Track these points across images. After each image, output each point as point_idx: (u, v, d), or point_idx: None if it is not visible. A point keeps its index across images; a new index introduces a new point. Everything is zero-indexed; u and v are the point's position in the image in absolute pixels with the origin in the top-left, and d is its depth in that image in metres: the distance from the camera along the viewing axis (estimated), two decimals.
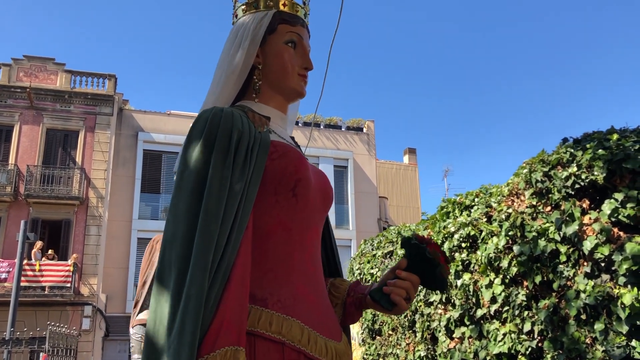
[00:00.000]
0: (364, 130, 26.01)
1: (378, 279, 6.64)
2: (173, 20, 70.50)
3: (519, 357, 4.08)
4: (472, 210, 4.94)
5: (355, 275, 7.56)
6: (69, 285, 17.58)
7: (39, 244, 17.68)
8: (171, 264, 1.09)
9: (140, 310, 2.37)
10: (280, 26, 1.40)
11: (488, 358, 4.38)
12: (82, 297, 18.25)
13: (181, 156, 1.20)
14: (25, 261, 15.48)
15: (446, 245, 5.02)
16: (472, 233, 4.72)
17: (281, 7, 1.41)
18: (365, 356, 7.06)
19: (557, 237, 3.86)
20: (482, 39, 72.44)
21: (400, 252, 6.18)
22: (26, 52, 20.94)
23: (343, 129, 25.78)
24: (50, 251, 18.21)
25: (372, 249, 7.32)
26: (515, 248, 4.12)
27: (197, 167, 1.16)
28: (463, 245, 4.85)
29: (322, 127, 25.13)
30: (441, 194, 41.24)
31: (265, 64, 1.39)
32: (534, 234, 4.01)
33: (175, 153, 22.69)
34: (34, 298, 17.16)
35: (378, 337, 6.78)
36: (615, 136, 3.91)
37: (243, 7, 1.44)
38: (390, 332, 6.38)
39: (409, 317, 5.78)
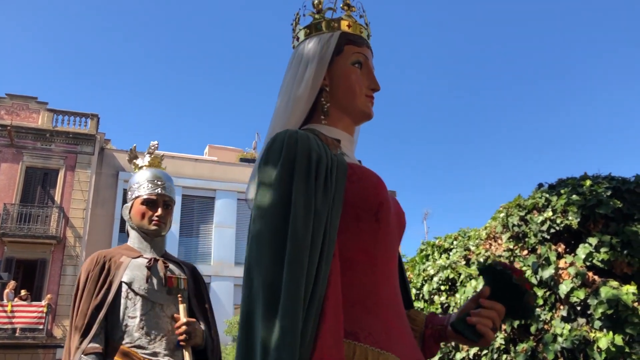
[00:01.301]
0: None
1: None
2: (156, 62, 71.17)
3: None
4: (451, 253, 5.00)
5: None
6: (41, 327, 17.11)
7: (11, 284, 17.26)
8: (258, 293, 1.02)
9: (83, 336, 2.23)
10: (346, 47, 1.37)
11: None
12: (54, 340, 17.74)
13: (259, 179, 1.15)
14: None
15: (425, 288, 5.05)
16: (451, 276, 4.76)
17: (346, 29, 1.39)
18: None
19: (534, 281, 3.91)
20: (461, 85, 74.17)
21: None
22: (8, 91, 20.89)
23: None
24: (23, 291, 17.75)
25: None
26: None
27: (278, 190, 1.10)
28: (442, 288, 4.88)
29: None
30: (420, 237, 41.35)
31: (332, 86, 1.36)
32: None
33: None
34: (4, 340, 16.63)
35: None
36: (588, 182, 4.02)
37: (305, 30, 1.42)
38: None
39: None
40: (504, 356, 4.09)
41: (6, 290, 17.15)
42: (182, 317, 2.36)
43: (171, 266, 2.52)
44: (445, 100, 73.65)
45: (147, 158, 2.74)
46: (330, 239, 1.09)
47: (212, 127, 71.26)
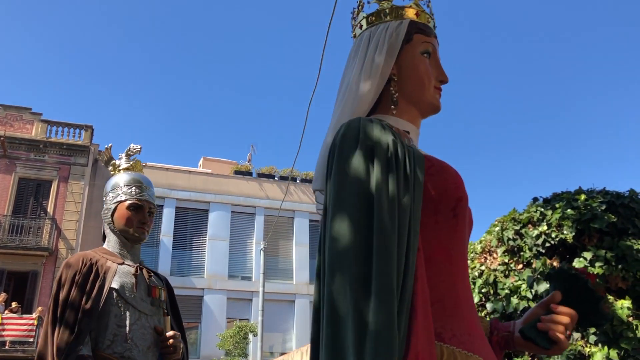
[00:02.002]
0: None
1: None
2: (151, 74, 71.30)
3: None
4: None
5: None
6: (32, 340, 16.91)
7: (2, 296, 17.09)
8: (345, 288, 0.96)
9: (78, 341, 2.11)
10: (415, 36, 1.31)
11: None
12: None
13: (335, 168, 1.08)
14: None
15: None
16: None
17: (413, 17, 1.34)
18: None
19: (529, 295, 3.91)
20: (453, 98, 74.62)
21: None
22: (2, 101, 20.85)
23: None
24: (14, 304, 17.58)
25: None
26: (489, 305, 4.15)
27: (358, 179, 1.04)
28: None
29: (298, 181, 25.27)
30: None
31: (400, 76, 1.30)
32: (507, 291, 4.06)
33: None
34: None
35: None
36: (583, 196, 4.03)
37: (370, 17, 1.36)
38: None
39: None
40: None
41: None
42: (168, 330, 2.34)
43: (152, 276, 2.48)
44: (440, 114, 74.03)
45: (124, 159, 2.67)
46: (414, 231, 1.04)
47: (206, 139, 71.29)
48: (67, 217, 19.80)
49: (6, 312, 17.23)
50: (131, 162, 2.67)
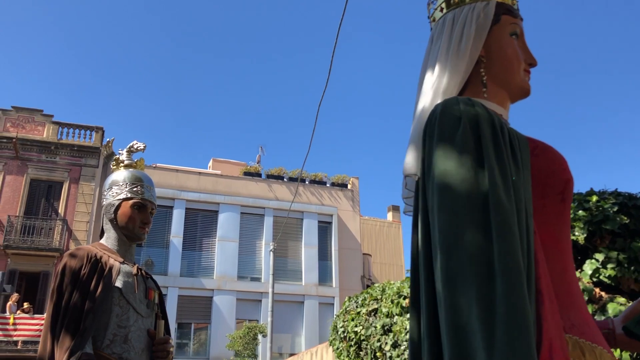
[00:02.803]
0: (349, 186, 26.21)
1: (363, 337, 6.59)
2: (160, 76, 71.73)
3: None
4: None
5: (340, 333, 7.47)
6: None
7: (14, 296, 17.23)
8: (463, 269, 0.89)
9: (83, 339, 2.06)
10: (503, 17, 1.27)
11: None
12: None
13: (435, 148, 1.02)
14: None
15: None
16: None
17: None
18: None
19: None
20: None
21: (385, 309, 6.15)
22: (14, 103, 21.03)
23: (328, 185, 25.95)
24: (26, 304, 17.71)
25: (357, 307, 7.27)
26: None
27: (466, 158, 0.98)
28: None
29: (307, 182, 25.29)
30: None
31: (489, 57, 1.26)
32: None
33: (160, 206, 22.59)
34: (5, 353, 16.56)
35: None
36: (594, 198, 4.02)
37: None
38: None
39: None
40: None
41: (9, 303, 17.12)
42: (161, 334, 2.32)
43: (149, 278, 2.46)
44: None
45: (125, 155, 2.60)
46: (528, 212, 0.99)
47: (215, 141, 71.52)
48: (78, 218, 19.93)
49: (18, 312, 17.37)
50: (135, 160, 2.61)
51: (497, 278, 0.86)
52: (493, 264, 0.87)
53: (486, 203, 0.93)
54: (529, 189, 1.03)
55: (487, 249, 0.89)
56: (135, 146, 2.64)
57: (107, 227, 2.44)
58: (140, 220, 2.39)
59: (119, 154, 2.62)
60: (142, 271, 2.41)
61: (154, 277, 2.59)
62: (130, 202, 2.40)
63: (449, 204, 0.95)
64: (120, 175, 2.48)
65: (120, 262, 2.32)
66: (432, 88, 1.23)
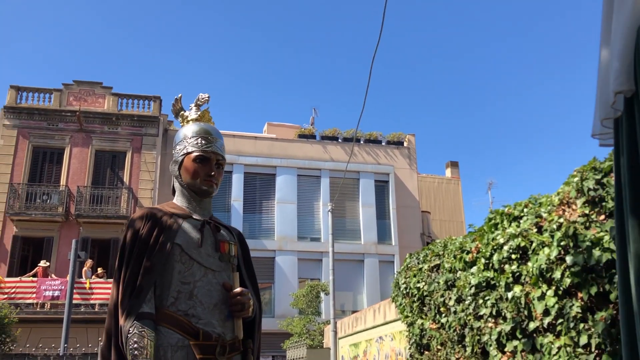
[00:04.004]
0: (405, 144, 25.89)
1: (426, 293, 6.58)
2: (214, 42, 72.21)
3: None
4: (522, 221, 4.85)
5: (402, 289, 7.49)
6: None
7: (89, 262, 18.16)
8: None
9: (139, 299, 2.07)
10: None
11: None
12: None
13: None
14: (76, 279, 15.91)
15: (495, 257, 4.94)
16: (522, 244, 4.63)
17: None
18: None
19: (613, 247, 3.75)
20: (524, 42, 71.51)
21: (447, 265, 6.10)
22: (75, 77, 21.74)
23: (383, 144, 25.73)
24: (99, 269, 18.68)
25: (418, 263, 7.24)
26: (569, 258, 4.02)
27: None
28: (513, 256, 4.76)
29: (362, 142, 25.15)
30: (485, 207, 40.58)
31: None
32: (588, 243, 3.91)
33: None
34: (84, 315, 17.59)
35: (426, 352, 6.68)
36: None
37: None
38: (439, 347, 6.29)
39: (458, 331, 5.68)
40: (581, 325, 3.96)
41: (84, 269, 18.09)
42: (236, 287, 2.22)
43: (222, 230, 2.34)
44: (507, 55, 71.33)
45: (194, 111, 2.52)
46: None
47: (269, 105, 71.90)
48: (142, 186, 20.65)
49: (93, 277, 18.33)
50: (200, 114, 2.52)
51: None
52: None
53: None
54: None
55: None
56: (200, 98, 2.55)
57: (176, 184, 2.41)
58: (204, 173, 2.30)
59: (189, 109, 2.56)
60: (213, 224, 2.32)
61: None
62: (192, 155, 2.32)
63: None
64: (183, 130, 2.42)
65: (185, 218, 2.26)
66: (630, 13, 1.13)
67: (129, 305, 2.05)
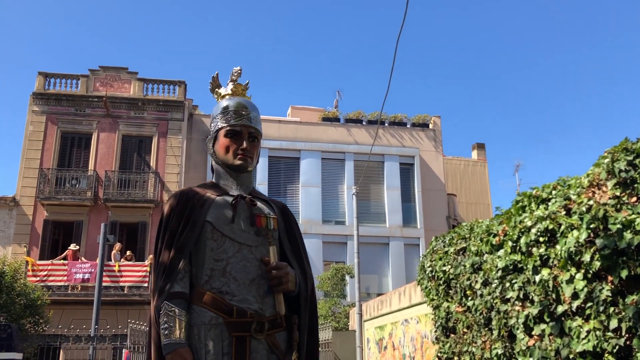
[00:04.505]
0: (430, 126, 25.64)
1: (452, 276, 6.55)
2: (236, 26, 72.24)
3: (606, 355, 3.91)
4: (550, 204, 4.78)
5: (427, 272, 7.47)
6: (146, 285, 18.29)
7: (117, 245, 18.50)
8: None
9: (169, 279, 2.06)
10: None
11: (571, 356, 4.22)
12: None
13: None
14: (105, 262, 16.22)
15: (523, 240, 4.88)
16: (551, 227, 4.56)
17: None
18: (439, 354, 6.96)
19: None
20: (551, 24, 69.89)
21: (474, 248, 6.05)
22: (101, 63, 21.95)
23: (408, 126, 25.51)
24: (128, 252, 19.02)
25: (444, 246, 7.20)
26: (598, 241, 3.95)
27: None
28: (541, 239, 4.69)
29: (386, 124, 24.98)
30: (512, 190, 40.09)
31: None
32: (619, 226, 3.83)
33: None
34: (114, 297, 17.97)
35: (452, 335, 6.67)
36: None
37: None
38: (465, 330, 6.26)
39: (485, 315, 5.65)
40: (612, 309, 3.90)
41: (113, 252, 18.44)
42: (273, 260, 2.15)
43: (259, 204, 2.28)
44: (536, 38, 69.86)
45: (230, 86, 2.46)
46: None
47: (293, 88, 71.80)
48: (169, 170, 20.87)
49: (122, 260, 18.68)
50: (232, 87, 2.46)
51: None
52: None
53: None
54: None
55: None
56: (234, 72, 2.49)
57: (213, 162, 2.38)
58: (236, 148, 2.25)
59: (226, 85, 2.50)
60: (249, 199, 2.25)
61: None
62: (223, 131, 2.28)
63: None
64: (216, 107, 2.37)
65: (219, 195, 2.23)
66: None
67: (160, 285, 2.05)
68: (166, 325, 2.00)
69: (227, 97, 2.41)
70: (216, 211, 2.17)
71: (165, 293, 2.04)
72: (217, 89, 2.50)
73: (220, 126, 2.29)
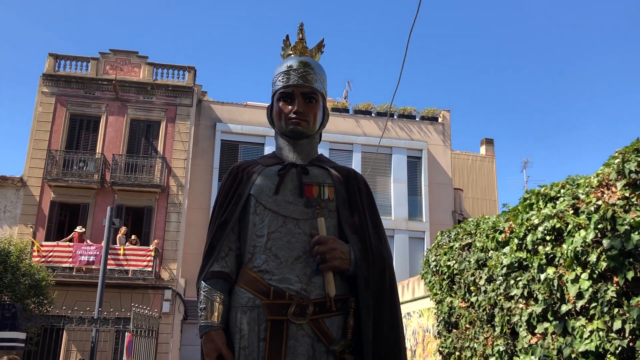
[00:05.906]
0: (439, 120, 25.53)
1: (456, 271, 6.52)
2: (246, 13, 72.05)
3: (608, 356, 3.89)
4: (558, 202, 4.74)
5: (432, 266, 7.45)
6: (150, 269, 18.37)
7: (123, 229, 18.57)
8: None
9: (209, 258, 1.95)
10: None
11: (573, 356, 4.20)
12: (162, 282, 19.04)
13: None
14: (110, 245, 16.29)
15: (529, 238, 4.85)
16: (558, 225, 4.53)
17: None
18: (440, 349, 6.96)
19: None
20: (564, 22, 69.31)
21: (479, 244, 6.02)
22: (112, 46, 21.94)
23: (417, 119, 25.41)
24: (133, 236, 19.09)
25: (449, 241, 7.18)
26: (605, 242, 3.92)
27: None
28: (547, 238, 4.66)
29: (395, 117, 24.89)
30: (519, 187, 39.93)
31: None
32: (627, 227, 3.80)
33: (252, 144, 23.17)
34: (118, 281, 18.06)
35: (454, 330, 6.66)
36: None
37: None
38: (467, 326, 6.25)
39: (488, 311, 5.63)
40: (616, 310, 3.87)
41: (118, 235, 18.51)
42: (322, 233, 1.88)
43: (313, 172, 2.03)
44: (545, 34, 69.33)
45: (292, 46, 2.24)
46: None
47: None
48: (176, 156, 20.87)
49: (127, 244, 18.76)
50: (294, 45, 2.23)
51: None
52: None
53: None
54: None
55: None
56: (299, 28, 2.27)
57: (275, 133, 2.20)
58: (289, 111, 2.04)
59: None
60: (300, 167, 2.03)
61: None
62: (276, 95, 2.09)
63: None
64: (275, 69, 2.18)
65: (269, 165, 2.06)
66: None
67: (202, 264, 1.96)
68: (203, 305, 1.90)
69: (288, 56, 2.19)
70: (260, 182, 1.99)
71: (204, 272, 1.94)
72: (282, 54, 2.27)
73: (273, 91, 2.12)
